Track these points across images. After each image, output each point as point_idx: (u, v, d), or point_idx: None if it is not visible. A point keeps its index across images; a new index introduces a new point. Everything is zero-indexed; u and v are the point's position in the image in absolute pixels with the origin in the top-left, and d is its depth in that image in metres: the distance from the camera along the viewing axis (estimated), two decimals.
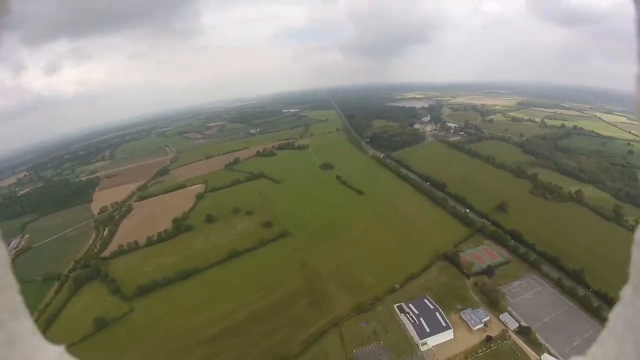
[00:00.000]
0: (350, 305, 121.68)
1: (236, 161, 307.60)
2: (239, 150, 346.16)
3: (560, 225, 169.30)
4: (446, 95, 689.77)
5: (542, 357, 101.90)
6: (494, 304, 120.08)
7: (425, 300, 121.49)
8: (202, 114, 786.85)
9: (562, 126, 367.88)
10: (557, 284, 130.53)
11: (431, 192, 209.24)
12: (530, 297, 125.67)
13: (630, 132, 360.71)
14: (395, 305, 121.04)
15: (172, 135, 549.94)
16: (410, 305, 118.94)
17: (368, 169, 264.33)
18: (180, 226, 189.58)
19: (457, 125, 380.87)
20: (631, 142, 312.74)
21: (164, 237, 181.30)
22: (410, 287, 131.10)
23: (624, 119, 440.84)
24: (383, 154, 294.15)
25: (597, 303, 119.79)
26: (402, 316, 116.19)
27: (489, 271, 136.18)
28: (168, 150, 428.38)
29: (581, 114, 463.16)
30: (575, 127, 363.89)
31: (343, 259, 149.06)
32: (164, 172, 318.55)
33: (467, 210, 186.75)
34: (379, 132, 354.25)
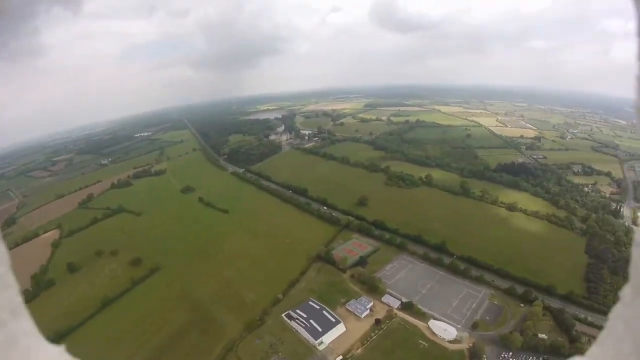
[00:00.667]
0: (240, 326, 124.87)
1: (90, 197, 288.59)
2: (91, 184, 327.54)
3: (417, 207, 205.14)
4: (298, 104, 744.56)
5: (429, 323, 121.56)
6: (374, 290, 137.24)
7: (311, 302, 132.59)
8: (46, 147, 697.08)
9: (406, 121, 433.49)
10: (425, 258, 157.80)
11: (295, 199, 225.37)
12: (405, 275, 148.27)
13: (466, 119, 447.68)
14: (283, 315, 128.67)
15: (14, 176, 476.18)
16: (298, 310, 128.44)
17: (230, 186, 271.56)
18: (41, 282, 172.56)
19: (310, 132, 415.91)
20: (468, 127, 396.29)
21: (25, 300, 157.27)
22: (293, 294, 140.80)
23: (460, 109, 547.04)
24: (243, 169, 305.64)
25: (463, 266, 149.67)
26: (292, 323, 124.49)
27: (362, 262, 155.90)
28: (12, 194, 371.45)
29: (422, 109, 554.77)
30: (417, 120, 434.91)
31: (221, 281, 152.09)
32: (10, 221, 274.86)
33: (330, 209, 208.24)
34: (236, 147, 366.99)
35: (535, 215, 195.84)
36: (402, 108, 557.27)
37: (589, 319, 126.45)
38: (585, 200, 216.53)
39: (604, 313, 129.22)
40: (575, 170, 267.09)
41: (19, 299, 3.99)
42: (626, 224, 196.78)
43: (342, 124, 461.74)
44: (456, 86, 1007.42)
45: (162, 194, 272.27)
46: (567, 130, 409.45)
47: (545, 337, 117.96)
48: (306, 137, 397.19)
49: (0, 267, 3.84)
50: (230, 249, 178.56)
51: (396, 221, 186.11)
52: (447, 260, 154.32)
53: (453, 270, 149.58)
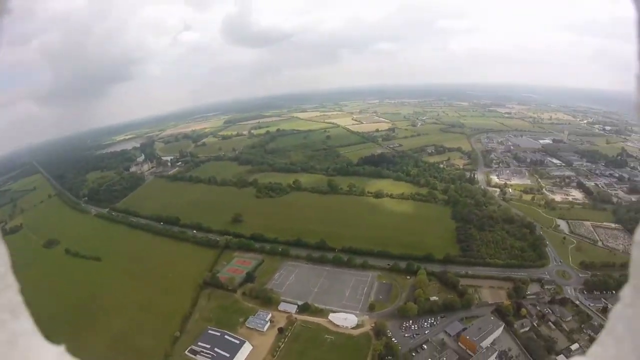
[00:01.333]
0: None
1: None
2: None
3: (291, 213, 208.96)
4: (156, 129, 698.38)
5: (329, 317, 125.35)
6: (268, 301, 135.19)
7: (210, 331, 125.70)
8: None
9: (267, 132, 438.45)
10: (309, 259, 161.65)
11: (168, 230, 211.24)
12: (294, 279, 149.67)
13: (324, 122, 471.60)
14: (187, 352, 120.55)
15: None
16: (200, 343, 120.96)
17: (97, 230, 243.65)
18: None
19: (172, 157, 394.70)
20: (327, 130, 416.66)
21: None
22: (190, 327, 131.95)
23: (318, 113, 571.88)
24: (107, 209, 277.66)
25: (346, 257, 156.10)
26: (198, 357, 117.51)
27: (249, 278, 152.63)
28: None
29: (281, 118, 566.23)
30: (278, 130, 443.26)
31: (112, 337, 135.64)
32: None
33: (207, 233, 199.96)
34: (95, 186, 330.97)
35: (401, 197, 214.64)
36: (261, 120, 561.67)
37: (469, 272, 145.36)
38: (443, 175, 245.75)
39: (481, 265, 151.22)
40: (429, 152, 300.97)
41: (19, 299, 3.99)
42: (481, 187, 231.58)
43: (204, 144, 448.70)
44: (313, 93, 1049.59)
45: (21, 254, 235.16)
46: (417, 119, 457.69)
47: (437, 298, 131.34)
48: (169, 164, 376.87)
49: (0, 267, 3.87)
50: (112, 299, 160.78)
51: (274, 230, 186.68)
52: (330, 256, 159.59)
53: (338, 263, 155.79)
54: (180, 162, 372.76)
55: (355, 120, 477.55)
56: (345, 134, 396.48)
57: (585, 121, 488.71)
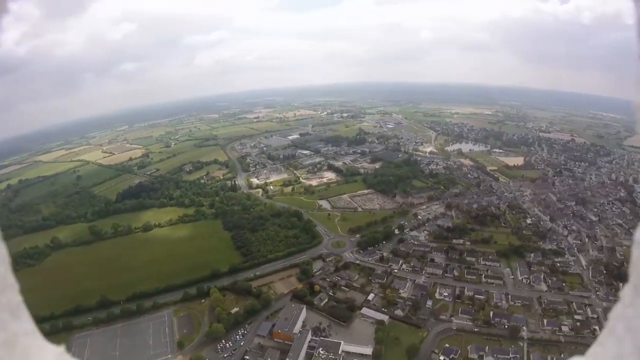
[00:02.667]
0: None
1: None
2: None
3: (58, 279, 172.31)
4: None
5: None
6: None
7: None
8: None
9: (8, 186, 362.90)
10: (97, 322, 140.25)
11: None
12: (90, 353, 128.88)
13: (72, 161, 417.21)
14: None
15: None
16: None
17: None
18: None
19: None
20: (76, 169, 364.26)
21: None
22: None
23: (63, 152, 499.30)
24: None
25: (134, 305, 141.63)
26: None
27: None
28: None
29: (22, 165, 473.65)
30: (20, 181, 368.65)
31: None
32: None
33: None
34: None
35: (170, 223, 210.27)
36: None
37: (258, 273, 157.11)
38: (206, 190, 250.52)
39: (265, 263, 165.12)
40: (188, 170, 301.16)
41: (19, 299, 4.00)
42: (244, 191, 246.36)
43: None
44: (56, 128, 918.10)
45: None
46: (170, 138, 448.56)
47: (237, 308, 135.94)
48: None
49: (0, 267, 3.86)
50: None
51: (47, 305, 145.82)
52: (117, 310, 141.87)
53: (129, 315, 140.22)
54: None
55: (106, 152, 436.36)
56: (97, 170, 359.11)
57: (325, 112, 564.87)
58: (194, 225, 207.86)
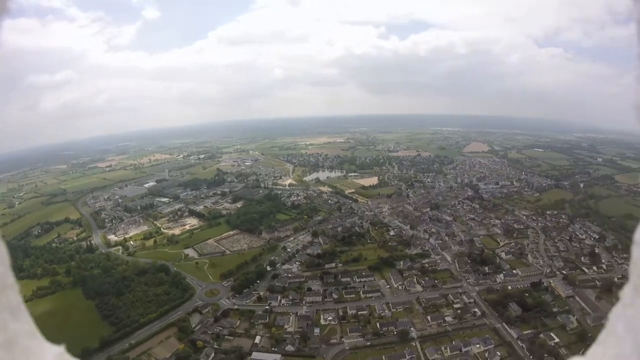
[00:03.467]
0: None
1: None
2: None
3: None
4: None
5: None
6: None
7: None
8: None
9: None
10: None
11: None
12: None
13: None
14: None
15: None
16: None
17: None
18: None
19: None
20: None
21: None
22: None
23: None
24: None
25: None
26: None
27: None
28: None
29: None
30: None
31: None
32: None
33: None
34: None
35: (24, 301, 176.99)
36: None
37: (132, 342, 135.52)
38: (59, 255, 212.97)
39: (138, 328, 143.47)
40: (36, 233, 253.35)
41: (19, 299, 4.04)
42: (103, 251, 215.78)
43: None
44: None
45: None
46: (14, 197, 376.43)
47: None
48: None
49: (0, 267, 3.89)
50: None
51: None
52: None
53: None
54: None
55: None
56: None
57: (181, 155, 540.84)
58: (51, 298, 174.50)
